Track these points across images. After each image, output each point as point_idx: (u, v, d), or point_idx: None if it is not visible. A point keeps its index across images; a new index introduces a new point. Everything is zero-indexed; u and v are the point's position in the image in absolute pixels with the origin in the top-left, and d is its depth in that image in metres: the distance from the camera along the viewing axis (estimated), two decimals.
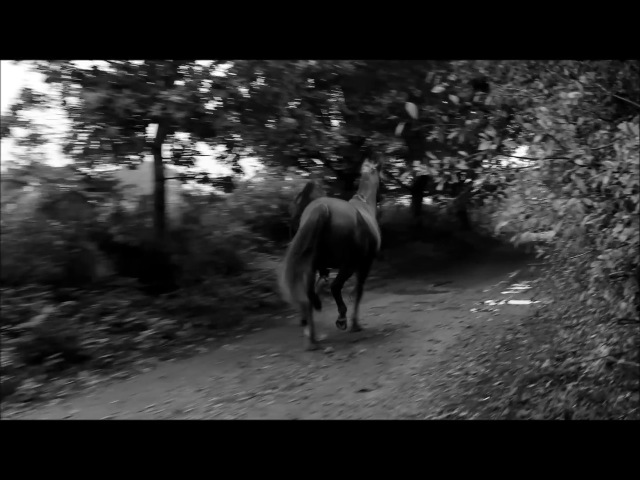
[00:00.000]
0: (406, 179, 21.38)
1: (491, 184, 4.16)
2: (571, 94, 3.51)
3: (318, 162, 19.35)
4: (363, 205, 10.34)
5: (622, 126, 3.16)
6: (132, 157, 11.55)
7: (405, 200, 25.67)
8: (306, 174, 19.79)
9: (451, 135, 3.60)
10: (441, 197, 26.65)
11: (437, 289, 15.00)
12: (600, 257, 3.52)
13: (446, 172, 3.56)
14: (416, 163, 3.61)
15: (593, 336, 4.95)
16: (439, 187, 3.53)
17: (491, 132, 3.22)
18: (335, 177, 19.75)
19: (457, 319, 10.89)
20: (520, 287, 13.78)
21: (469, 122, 4.04)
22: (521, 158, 3.96)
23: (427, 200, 26.52)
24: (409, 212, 24.02)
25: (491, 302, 12.51)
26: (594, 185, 3.29)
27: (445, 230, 25.27)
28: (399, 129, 3.39)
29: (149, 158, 11.88)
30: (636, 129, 3.14)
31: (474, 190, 26.32)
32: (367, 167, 11.03)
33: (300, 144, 14.81)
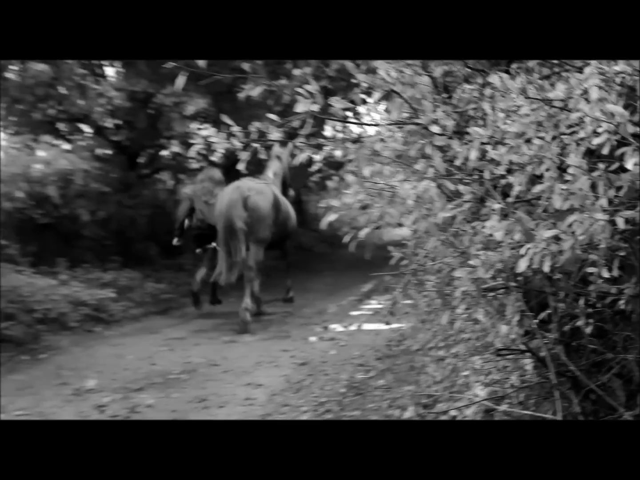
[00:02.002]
0: (213, 153, 21.30)
1: (337, 161, 4.16)
2: None
3: (85, 128, 18.93)
4: (272, 187, 14.14)
5: (494, 79, 3.20)
6: None
7: None
8: (68, 146, 19.28)
9: (255, 92, 3.53)
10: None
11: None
12: (470, 262, 3.58)
13: (254, 144, 3.51)
14: (211, 131, 3.53)
15: (466, 373, 5.08)
16: (240, 166, 3.48)
17: (312, 86, 3.18)
18: (111, 151, 19.39)
19: (287, 352, 10.97)
20: (377, 305, 14.07)
21: (297, 72, 4.00)
22: (356, 124, 3.97)
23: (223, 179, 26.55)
24: None
25: (337, 327, 12.72)
26: (457, 162, 3.33)
27: None
28: (180, 81, 3.31)
29: None
30: (514, 83, 3.20)
31: (313, 170, 26.45)
32: (276, 148, 14.32)
33: (58, 103, 14.41)
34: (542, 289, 4.26)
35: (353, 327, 12.56)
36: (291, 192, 15.55)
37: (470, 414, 4.83)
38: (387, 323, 6.08)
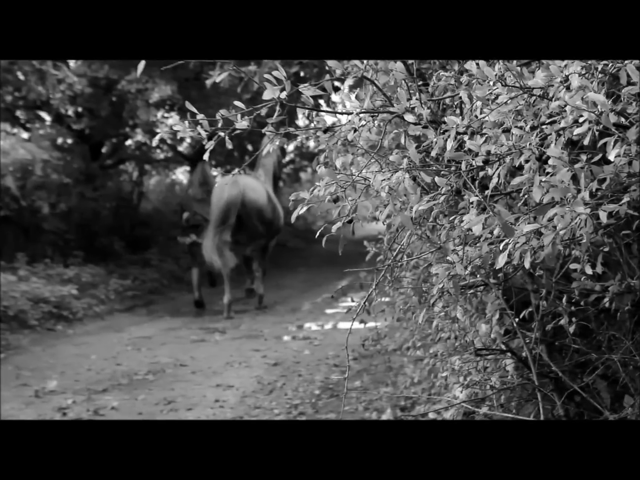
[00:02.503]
0: (181, 142, 21.18)
1: (311, 152, 4.15)
2: None
3: (45, 116, 18.82)
4: (264, 183, 15.39)
5: (471, 65, 3.19)
6: None
7: (181, 175, 25.44)
8: (25, 134, 19.18)
9: (219, 78, 3.50)
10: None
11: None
12: (447, 258, 3.57)
13: (220, 133, 3.49)
14: (174, 119, 3.52)
15: (445, 374, 5.07)
16: (205, 156, 3.46)
17: (279, 72, 3.16)
18: (72, 140, 19.28)
19: (259, 352, 10.99)
20: (354, 303, 14.01)
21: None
22: (326, 112, 3.96)
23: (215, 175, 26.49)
24: None
25: (312, 326, 12.74)
26: (433, 153, 3.32)
27: None
28: (140, 66, 3.29)
29: None
30: (491, 70, 3.19)
31: (286, 161, 26.46)
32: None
33: (16, 89, 14.33)
34: (523, 286, 4.26)
35: (330, 326, 12.60)
36: (280, 185, 16.84)
37: (449, 416, 4.83)
38: (362, 322, 6.08)
